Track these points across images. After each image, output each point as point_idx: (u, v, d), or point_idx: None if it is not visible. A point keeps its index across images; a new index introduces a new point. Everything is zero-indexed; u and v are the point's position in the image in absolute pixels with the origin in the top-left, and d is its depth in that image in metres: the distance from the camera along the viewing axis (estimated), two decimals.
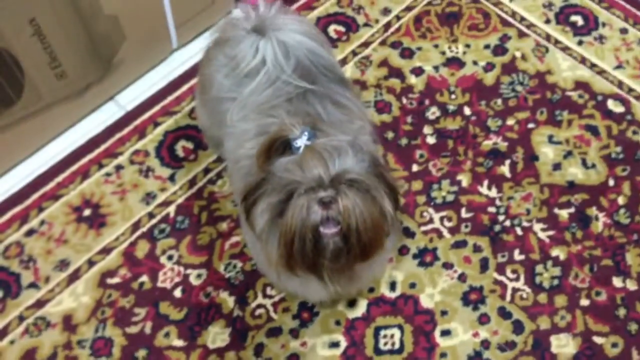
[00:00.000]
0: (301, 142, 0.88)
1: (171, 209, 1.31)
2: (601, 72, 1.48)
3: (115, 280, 1.24)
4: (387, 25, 1.54)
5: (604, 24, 1.54)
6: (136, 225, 1.30)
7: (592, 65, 1.49)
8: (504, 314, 1.22)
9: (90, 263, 1.26)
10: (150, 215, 1.31)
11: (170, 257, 1.27)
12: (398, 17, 1.55)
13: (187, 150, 1.38)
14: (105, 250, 1.27)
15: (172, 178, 1.35)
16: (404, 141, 1.39)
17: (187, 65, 1.49)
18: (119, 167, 1.36)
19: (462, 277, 1.25)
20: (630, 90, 1.45)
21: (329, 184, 0.85)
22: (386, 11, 1.57)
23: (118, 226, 1.29)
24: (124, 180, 1.34)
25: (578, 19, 1.54)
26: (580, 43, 1.52)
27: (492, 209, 1.32)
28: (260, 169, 0.90)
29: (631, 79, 1.47)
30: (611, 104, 1.44)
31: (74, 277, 1.25)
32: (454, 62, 1.49)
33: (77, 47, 1.28)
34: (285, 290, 1.19)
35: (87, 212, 1.31)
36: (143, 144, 1.38)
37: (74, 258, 1.26)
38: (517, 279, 1.25)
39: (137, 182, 1.34)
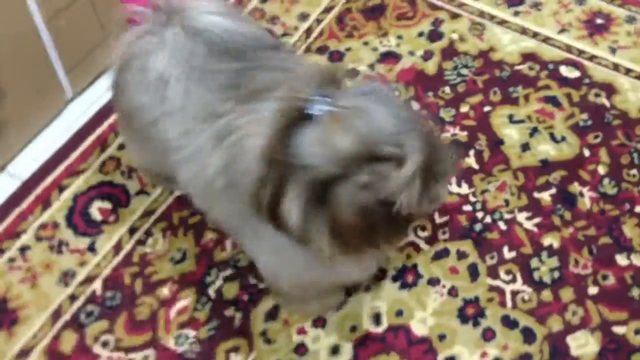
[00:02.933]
0: (320, 108, 0.69)
1: (97, 285, 1.09)
2: (546, 40, 1.36)
3: None
4: (308, 31, 1.39)
5: None
6: (56, 314, 1.07)
7: (535, 34, 1.37)
8: (509, 323, 1.05)
9: None
10: (72, 298, 1.08)
11: (105, 344, 1.04)
12: (318, 21, 1.40)
13: (105, 211, 1.16)
14: (23, 353, 1.04)
15: (91, 248, 1.12)
16: None
17: (87, 114, 1.28)
18: (23, 249, 1.13)
19: (452, 292, 1.08)
20: (581, 52, 1.34)
21: (369, 161, 0.70)
22: (304, 17, 1.41)
23: (34, 320, 1.06)
24: (33, 262, 1.11)
25: None
26: (516, 14, 1.40)
27: (467, 207, 1.16)
28: (272, 161, 0.72)
29: (578, 40, 1.36)
30: (565, 70, 1.32)
31: None
32: (389, 57, 1.35)
33: None
34: (323, 291, 1.00)
35: None
36: (50, 215, 1.16)
37: None
38: (513, 280, 1.09)
39: (50, 262, 1.11)
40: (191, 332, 1.04)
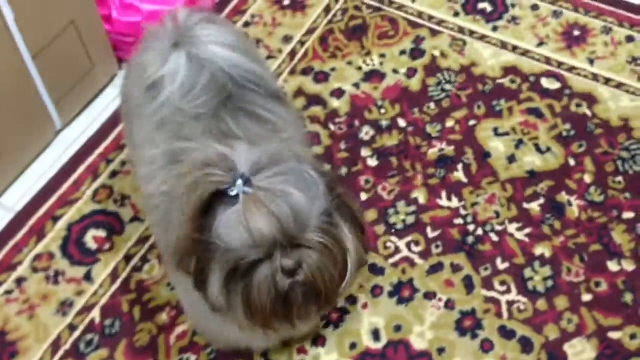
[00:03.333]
0: (238, 189, 0.72)
1: (95, 314, 1.09)
2: (525, 53, 1.39)
3: None
4: (292, 53, 1.41)
5: (513, 5, 1.46)
6: (56, 345, 1.06)
7: (515, 48, 1.40)
8: (506, 333, 1.06)
9: None
10: (71, 328, 1.08)
11: None
12: (302, 43, 1.42)
13: (100, 239, 1.17)
14: None
15: (88, 277, 1.12)
16: (343, 170, 1.24)
17: (78, 143, 1.28)
18: (20, 280, 1.12)
19: (449, 305, 1.09)
20: (560, 64, 1.37)
21: (289, 246, 0.72)
22: (287, 39, 1.43)
23: (34, 352, 1.06)
24: (30, 294, 1.11)
25: (486, 6, 1.47)
26: (495, 29, 1.43)
27: (458, 221, 1.18)
28: (193, 232, 0.74)
29: (557, 52, 1.39)
30: (546, 82, 1.35)
31: None
32: (374, 76, 1.37)
33: None
34: (228, 346, 1.01)
35: None
36: (44, 246, 1.16)
37: None
38: (508, 291, 1.10)
39: (47, 293, 1.11)
40: (192, 357, 1.04)
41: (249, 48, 0.98)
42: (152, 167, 0.87)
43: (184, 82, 0.87)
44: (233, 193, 0.71)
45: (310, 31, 1.44)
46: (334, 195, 0.76)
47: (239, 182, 0.72)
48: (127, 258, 1.14)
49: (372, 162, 1.25)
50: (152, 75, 0.89)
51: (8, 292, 1.11)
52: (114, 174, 1.24)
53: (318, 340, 1.06)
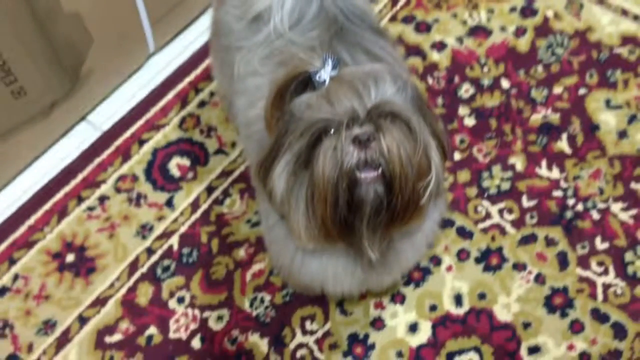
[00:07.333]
0: (325, 74, 0.69)
1: (174, 241, 1.07)
2: None
3: (116, 337, 1.00)
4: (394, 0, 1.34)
5: None
6: (133, 266, 1.05)
7: (636, 17, 1.29)
8: (599, 317, 0.99)
9: (82, 320, 1.02)
10: (149, 251, 1.07)
11: (181, 300, 1.03)
12: None
13: (183, 168, 1.15)
14: (99, 302, 1.03)
15: (169, 203, 1.11)
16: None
17: (168, 69, 1.26)
18: (103, 198, 1.12)
19: (539, 279, 1.03)
20: None
21: (366, 118, 0.67)
22: None
23: (111, 270, 1.05)
24: (111, 213, 1.10)
25: None
26: None
27: (558, 193, 1.10)
28: (271, 127, 0.71)
29: None
30: None
31: (64, 340, 1.00)
32: (479, 31, 1.29)
33: (35, 56, 1.04)
34: (301, 286, 0.97)
35: (70, 257, 1.06)
36: (129, 167, 1.14)
37: (60, 317, 1.02)
38: (605, 272, 1.03)
39: (128, 214, 1.10)
40: (267, 297, 1.02)
41: None
42: (256, 95, 0.84)
43: (292, 12, 0.83)
44: (320, 78, 0.68)
45: None
46: (421, 102, 0.71)
47: (329, 61, 0.69)
48: (209, 189, 1.12)
49: (469, 122, 1.18)
50: (257, 7, 0.85)
51: (90, 209, 1.11)
52: (202, 104, 1.21)
53: (397, 297, 1.02)
